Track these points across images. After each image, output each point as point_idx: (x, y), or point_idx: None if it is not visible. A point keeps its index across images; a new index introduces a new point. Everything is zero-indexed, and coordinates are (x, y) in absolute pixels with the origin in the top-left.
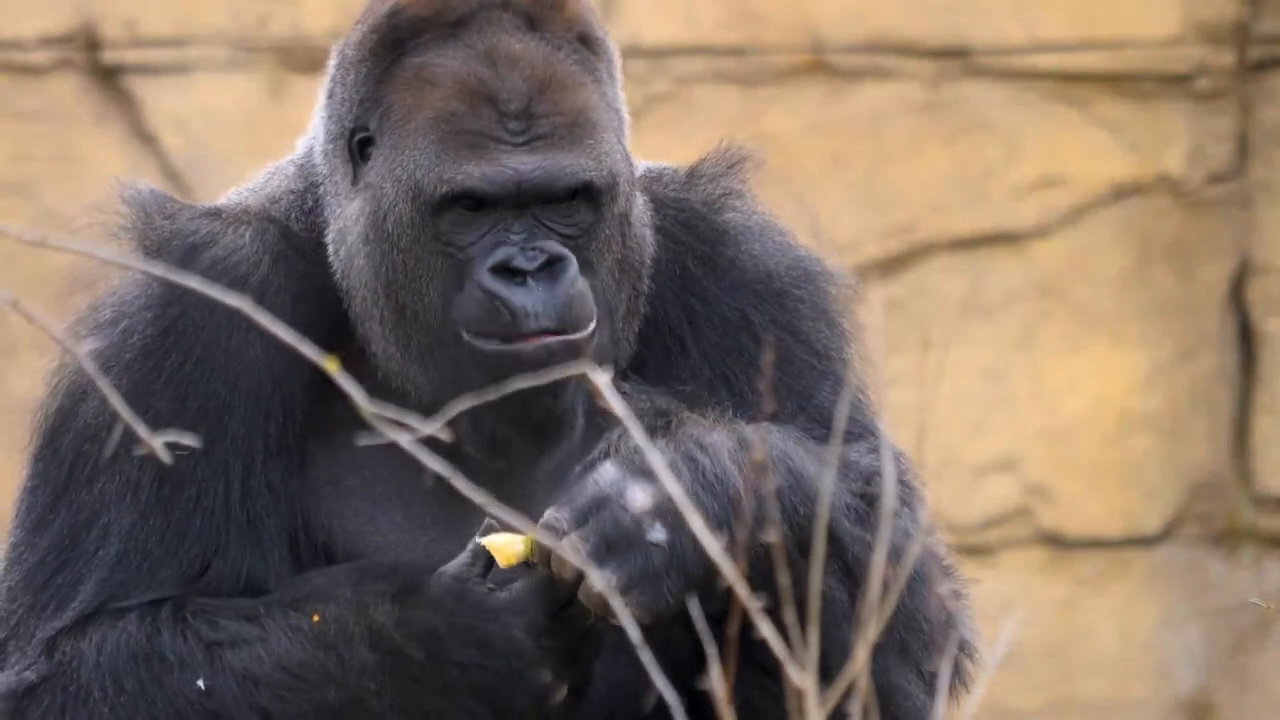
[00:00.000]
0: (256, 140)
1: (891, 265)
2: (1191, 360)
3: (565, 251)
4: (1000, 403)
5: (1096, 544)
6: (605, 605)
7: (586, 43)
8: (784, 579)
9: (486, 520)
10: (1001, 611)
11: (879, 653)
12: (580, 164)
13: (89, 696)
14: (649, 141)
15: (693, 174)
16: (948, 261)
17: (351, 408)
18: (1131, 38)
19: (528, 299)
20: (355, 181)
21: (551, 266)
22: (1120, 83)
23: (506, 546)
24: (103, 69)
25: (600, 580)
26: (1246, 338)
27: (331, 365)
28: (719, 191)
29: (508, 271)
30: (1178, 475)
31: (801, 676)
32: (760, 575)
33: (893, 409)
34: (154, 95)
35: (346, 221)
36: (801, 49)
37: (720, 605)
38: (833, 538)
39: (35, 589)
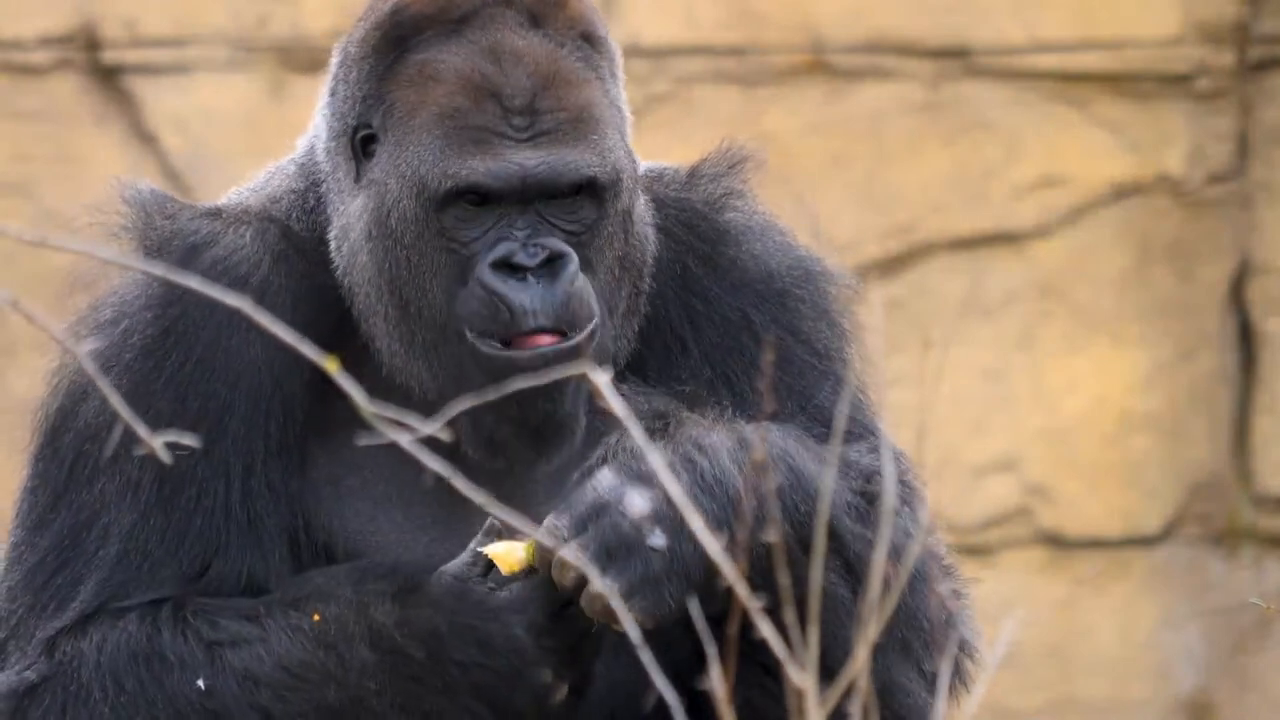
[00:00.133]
0: (256, 140)
1: (891, 265)
2: (1191, 360)
3: (566, 249)
4: (1000, 403)
5: (1096, 544)
6: (607, 612)
7: (589, 41)
8: (784, 578)
9: (488, 521)
10: (1001, 611)
11: (880, 651)
12: (584, 159)
13: (89, 696)
14: (649, 141)
15: (694, 174)
16: (948, 261)
17: (352, 408)
18: (1131, 38)
19: (526, 296)
20: (358, 179)
21: (552, 263)
22: (1120, 83)
23: (508, 554)
24: (103, 69)
25: (602, 587)
26: (1246, 338)
27: (331, 365)
28: (720, 191)
29: (508, 267)
30: (1178, 475)
31: (801, 676)
32: (762, 575)
33: (893, 409)
34: (154, 95)
35: (349, 218)
36: (801, 49)
37: (721, 605)
38: (834, 535)
39: (36, 589)
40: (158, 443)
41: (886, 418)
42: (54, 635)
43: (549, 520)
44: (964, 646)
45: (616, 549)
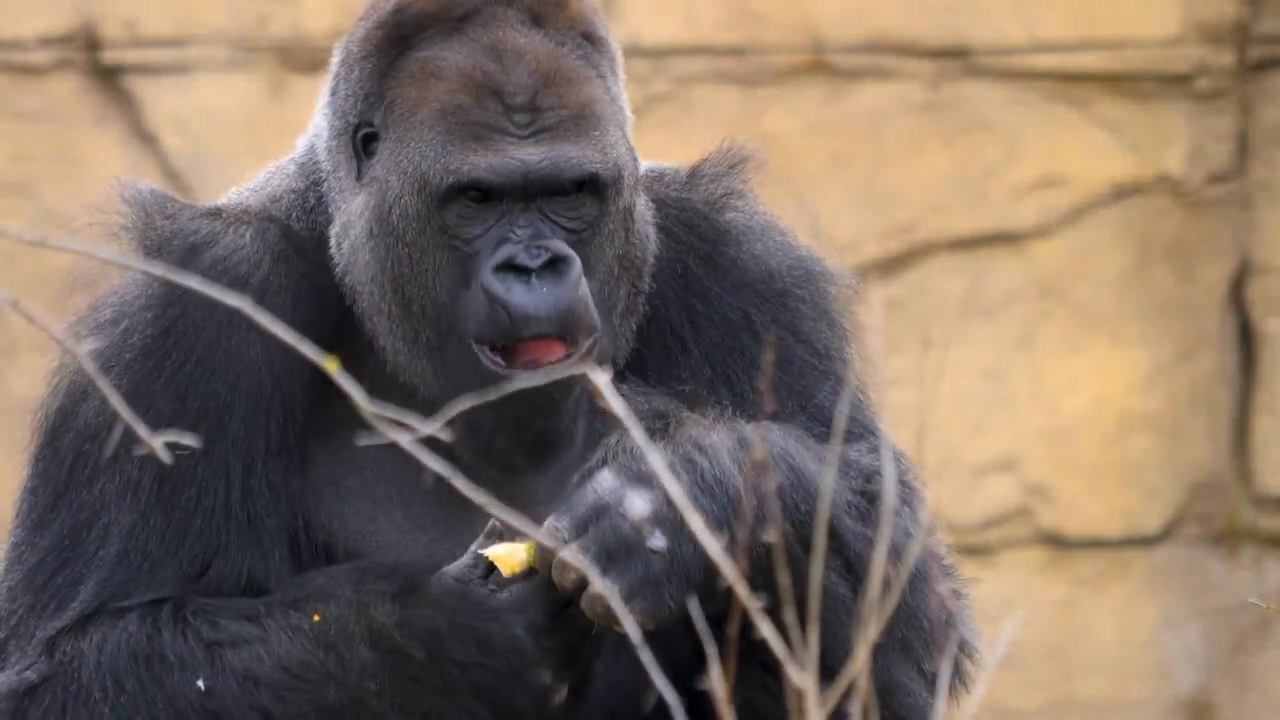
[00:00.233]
0: (256, 140)
1: (891, 265)
2: (1191, 360)
3: (570, 252)
4: (1000, 403)
5: (1096, 544)
6: (607, 613)
7: (589, 40)
8: (785, 578)
9: (489, 523)
10: (1001, 611)
11: (880, 651)
12: (586, 155)
13: (89, 696)
14: (649, 141)
15: (694, 174)
16: (948, 261)
17: (352, 408)
18: (1131, 38)
19: (528, 300)
20: (359, 177)
21: (555, 266)
22: (1120, 83)
23: (509, 556)
24: (103, 69)
25: (603, 589)
26: (1246, 338)
27: (331, 365)
28: (720, 191)
29: (511, 269)
30: (1178, 475)
31: (801, 676)
32: (763, 575)
33: (893, 409)
34: (154, 95)
35: (350, 216)
36: (801, 49)
37: (722, 605)
38: (834, 534)
39: (36, 589)
40: (158, 443)
41: (886, 418)
42: (54, 635)
43: (549, 522)
44: (964, 646)
45: (617, 550)
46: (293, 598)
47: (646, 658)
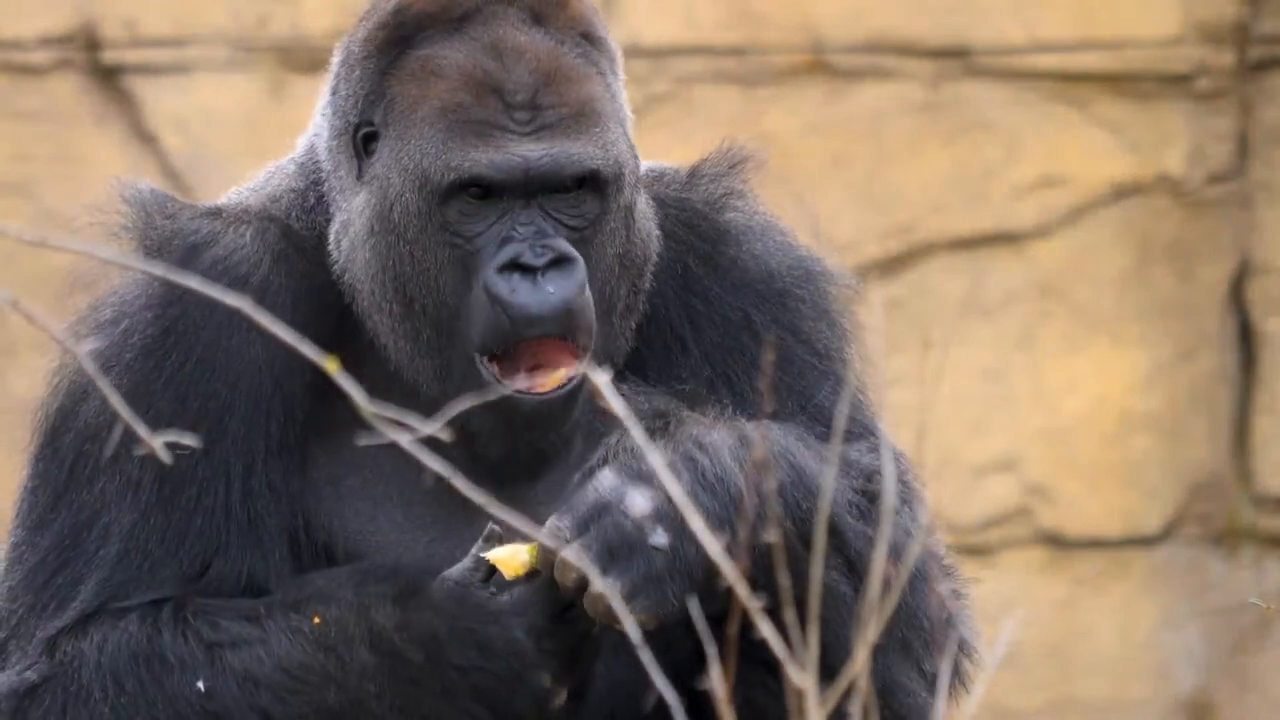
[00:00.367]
0: (256, 140)
1: (891, 265)
2: (1191, 360)
3: (574, 253)
4: (1000, 403)
5: (1096, 544)
6: (609, 613)
7: (590, 40)
8: (785, 577)
9: (489, 527)
10: (1001, 611)
11: (881, 650)
12: (586, 152)
13: (90, 697)
14: (649, 141)
15: (694, 174)
16: (948, 261)
17: (352, 407)
18: (1131, 38)
19: (532, 300)
20: (360, 176)
21: (560, 265)
22: (1120, 83)
23: (511, 558)
24: (103, 69)
25: (604, 588)
26: (1246, 338)
27: (331, 365)
28: (720, 191)
29: (516, 268)
30: (1178, 475)
31: (801, 676)
32: (765, 573)
33: (893, 409)
34: (154, 95)
35: (350, 214)
36: (801, 49)
37: (724, 604)
38: (836, 533)
39: (36, 589)
40: (158, 443)
41: (886, 418)
42: (54, 635)
43: (551, 521)
44: (964, 646)
45: (619, 548)
46: (293, 599)
47: (646, 658)
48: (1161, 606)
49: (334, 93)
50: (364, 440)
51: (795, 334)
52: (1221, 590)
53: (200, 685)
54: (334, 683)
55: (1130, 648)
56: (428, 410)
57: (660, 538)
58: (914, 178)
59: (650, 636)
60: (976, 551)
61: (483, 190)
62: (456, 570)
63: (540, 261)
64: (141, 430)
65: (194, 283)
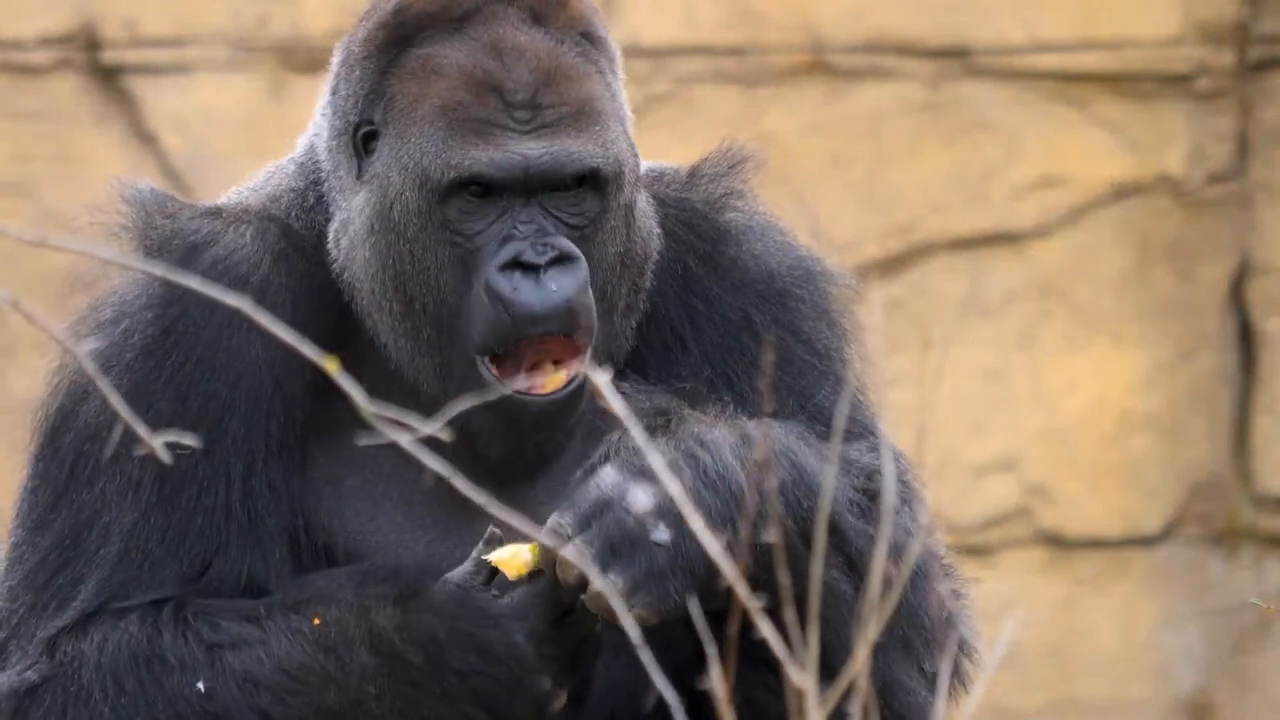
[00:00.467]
0: (256, 140)
1: (891, 265)
2: (1191, 360)
3: (576, 252)
4: (1000, 403)
5: (1096, 544)
6: (611, 611)
7: (589, 39)
8: (786, 576)
9: (489, 530)
10: (1001, 611)
11: (881, 649)
12: (587, 150)
13: (90, 697)
14: (649, 141)
15: (694, 174)
16: (948, 261)
17: (352, 407)
18: (1131, 38)
19: (533, 298)
20: (360, 175)
21: (561, 263)
22: (1120, 83)
23: (513, 559)
24: (103, 69)
25: (605, 584)
26: (1246, 338)
27: (331, 365)
28: (720, 191)
29: (517, 266)
30: (1178, 475)
31: (801, 675)
32: (766, 571)
33: (893, 409)
34: (154, 95)
35: (350, 213)
36: (801, 49)
37: (725, 602)
38: (836, 531)
39: (36, 588)
40: (158, 443)
41: (886, 418)
42: (55, 635)
43: (553, 519)
44: (963, 646)
45: (621, 545)
46: (293, 600)
47: (646, 657)
48: (1161, 606)
49: (334, 92)
50: (364, 440)
51: (795, 334)
52: (1221, 590)
53: (200, 686)
54: (334, 684)
55: (1130, 648)
56: (428, 410)
57: (662, 534)
58: (914, 178)
59: (650, 636)
60: (976, 551)
61: (483, 189)
62: (458, 573)
63: (542, 259)
64: (141, 430)
65: (194, 283)
